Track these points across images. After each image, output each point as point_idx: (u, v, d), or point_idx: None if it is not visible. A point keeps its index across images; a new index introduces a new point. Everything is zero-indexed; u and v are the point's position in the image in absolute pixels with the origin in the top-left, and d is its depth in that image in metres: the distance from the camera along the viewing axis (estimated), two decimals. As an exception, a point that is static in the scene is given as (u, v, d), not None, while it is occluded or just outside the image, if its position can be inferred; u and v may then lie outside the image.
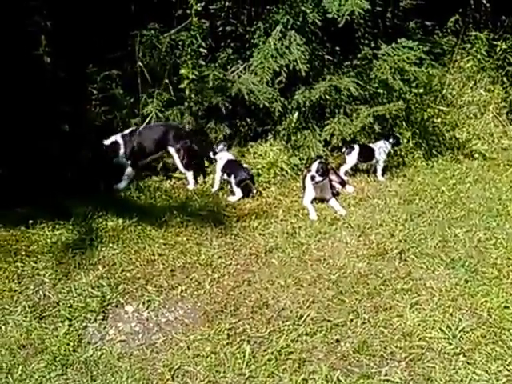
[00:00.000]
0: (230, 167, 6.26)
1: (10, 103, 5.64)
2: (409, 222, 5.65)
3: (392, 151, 7.17)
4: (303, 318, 4.14)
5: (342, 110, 7.04)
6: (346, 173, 6.79)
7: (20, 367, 3.63)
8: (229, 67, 7.27)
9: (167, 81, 6.82)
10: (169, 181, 6.43)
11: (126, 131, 6.35)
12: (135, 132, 6.32)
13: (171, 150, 6.40)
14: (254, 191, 6.16)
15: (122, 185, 6.19)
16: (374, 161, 6.89)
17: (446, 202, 6.15)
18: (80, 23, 6.09)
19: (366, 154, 6.84)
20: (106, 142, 6.24)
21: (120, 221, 5.42)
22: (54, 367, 3.63)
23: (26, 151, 5.81)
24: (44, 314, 4.12)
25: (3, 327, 3.98)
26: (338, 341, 3.93)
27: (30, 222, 5.22)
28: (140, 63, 6.74)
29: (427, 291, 4.50)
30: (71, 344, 3.83)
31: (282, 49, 6.70)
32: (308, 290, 4.51)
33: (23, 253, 4.81)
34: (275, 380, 3.58)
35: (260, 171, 6.59)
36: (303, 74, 6.71)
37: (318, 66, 7.25)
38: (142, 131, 6.33)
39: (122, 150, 6.22)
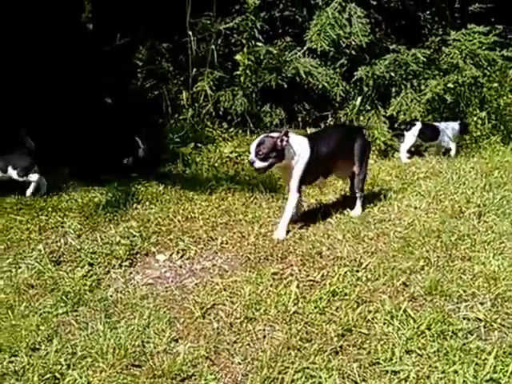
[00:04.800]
0: None
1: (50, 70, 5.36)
2: (487, 191, 4.85)
3: (461, 137, 6.43)
4: (363, 265, 3.43)
5: (408, 85, 6.38)
6: (409, 152, 6.09)
7: (23, 304, 3.12)
8: (286, 53, 6.85)
9: (220, 61, 6.48)
10: (218, 158, 5.90)
11: None
12: None
13: None
14: None
15: None
16: (438, 141, 6.16)
17: (530, 174, 5.30)
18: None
19: (429, 133, 6.12)
20: None
21: (161, 187, 4.93)
22: (62, 304, 3.09)
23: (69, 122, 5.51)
24: (61, 259, 3.62)
25: (14, 270, 3.50)
26: (405, 284, 3.20)
27: (63, 185, 4.81)
28: (193, 45, 6.46)
29: (514, 242, 3.69)
30: (88, 285, 3.29)
31: (342, 20, 6.23)
32: (370, 243, 3.80)
33: (50, 209, 4.38)
34: (326, 317, 2.86)
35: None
36: (364, 45, 6.21)
37: (380, 42, 6.73)
38: None
39: None
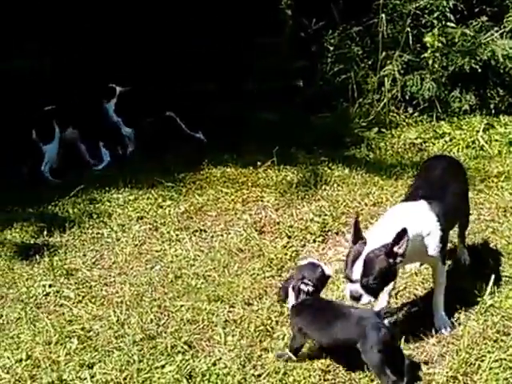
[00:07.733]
0: None
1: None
2: None
3: None
4: None
5: None
6: None
7: (236, 265, 3.58)
8: (482, 34, 6.55)
9: (409, 44, 6.42)
10: (402, 143, 5.92)
11: None
12: None
13: None
14: None
15: None
16: None
17: None
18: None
19: None
20: None
21: (347, 170, 5.12)
22: (269, 268, 3.52)
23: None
24: (264, 230, 4.03)
25: (225, 235, 4.00)
26: None
27: (259, 163, 5.19)
28: (383, 27, 6.46)
29: None
30: (288, 254, 3.67)
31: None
32: None
33: (249, 184, 4.79)
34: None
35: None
36: None
37: None
38: None
39: None
